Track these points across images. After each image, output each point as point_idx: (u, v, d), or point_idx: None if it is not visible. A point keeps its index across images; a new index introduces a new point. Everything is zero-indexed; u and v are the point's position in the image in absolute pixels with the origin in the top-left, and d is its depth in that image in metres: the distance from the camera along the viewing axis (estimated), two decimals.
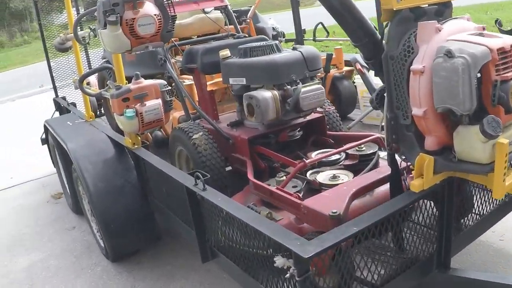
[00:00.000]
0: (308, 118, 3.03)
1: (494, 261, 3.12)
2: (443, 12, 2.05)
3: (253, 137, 2.85)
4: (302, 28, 5.88)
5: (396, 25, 1.94)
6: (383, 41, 2.10)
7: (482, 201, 2.59)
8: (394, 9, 1.88)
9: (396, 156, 2.22)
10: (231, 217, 2.16)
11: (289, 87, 2.74)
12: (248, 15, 5.11)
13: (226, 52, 2.94)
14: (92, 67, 5.55)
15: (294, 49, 2.93)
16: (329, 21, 5.94)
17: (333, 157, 2.79)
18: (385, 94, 2.28)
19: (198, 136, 2.89)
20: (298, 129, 3.04)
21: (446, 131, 1.92)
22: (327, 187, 2.45)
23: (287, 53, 2.79)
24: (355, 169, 2.74)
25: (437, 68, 1.77)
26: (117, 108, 2.71)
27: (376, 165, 2.76)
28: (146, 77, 4.43)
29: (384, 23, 2.03)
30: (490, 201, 2.64)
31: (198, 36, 4.44)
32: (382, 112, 2.30)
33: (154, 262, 3.59)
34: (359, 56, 2.43)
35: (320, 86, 2.80)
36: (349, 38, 2.14)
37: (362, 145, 2.89)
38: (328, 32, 5.97)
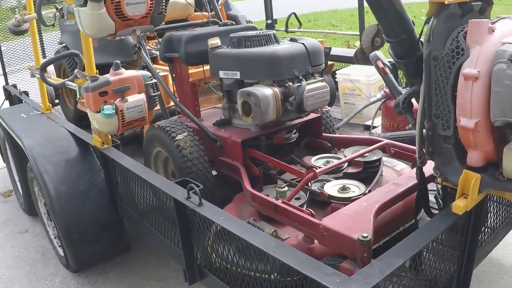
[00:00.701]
0: (304, 118, 2.72)
1: (484, 270, 2.99)
2: (485, 10, 1.80)
3: (246, 140, 2.51)
4: (274, 17, 5.57)
5: (444, 22, 1.66)
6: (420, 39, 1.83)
7: (497, 215, 2.41)
8: (446, 2, 1.60)
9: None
10: (236, 238, 1.83)
11: (290, 83, 2.42)
12: (220, 1, 4.72)
13: (216, 41, 2.57)
14: (45, 52, 4.96)
15: (292, 40, 2.60)
16: (302, 11, 5.72)
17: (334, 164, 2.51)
18: (413, 99, 2.02)
19: (183, 137, 2.51)
20: (294, 131, 2.73)
21: (494, 146, 1.67)
22: (338, 201, 2.17)
23: (288, 45, 2.46)
24: (358, 178, 2.48)
25: (499, 75, 1.50)
26: (92, 104, 2.27)
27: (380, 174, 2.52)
28: (109, 65, 4.01)
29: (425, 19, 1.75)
30: (503, 214, 2.47)
31: (166, 23, 4.01)
32: (409, 119, 2.04)
33: (120, 272, 3.23)
34: (380, 53, 2.14)
35: (325, 84, 2.49)
36: (384, 32, 1.85)
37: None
38: (300, 23, 5.68)
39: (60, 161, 2.90)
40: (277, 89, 2.37)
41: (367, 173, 2.54)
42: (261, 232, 1.80)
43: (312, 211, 2.02)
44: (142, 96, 2.33)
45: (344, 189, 2.25)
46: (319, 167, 2.43)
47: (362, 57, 4.66)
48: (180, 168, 2.50)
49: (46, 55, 4.99)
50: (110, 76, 2.31)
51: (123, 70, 2.35)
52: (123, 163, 2.52)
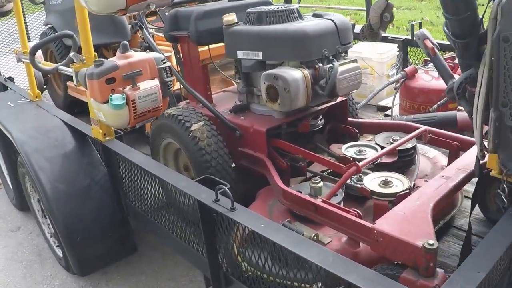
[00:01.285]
0: (332, 103, 2.46)
1: None
2: None
3: (271, 129, 2.25)
4: None
5: None
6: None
7: None
8: None
9: None
10: (280, 249, 1.58)
11: (320, 65, 2.15)
12: None
13: (232, 17, 2.27)
14: (30, 35, 4.55)
15: (317, 16, 2.32)
16: None
17: (368, 153, 2.27)
18: (468, 85, 1.78)
19: (199, 127, 2.23)
20: (320, 117, 2.47)
21: None
22: (381, 197, 1.93)
23: (317, 21, 2.18)
24: (393, 168, 2.26)
25: None
26: (98, 93, 1.95)
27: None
28: (101, 47, 3.66)
29: None
30: None
31: None
32: (463, 106, 1.80)
33: (124, 271, 2.99)
34: (427, 31, 1.88)
35: (357, 65, 2.23)
36: (444, 7, 1.59)
37: (397, 137, 2.40)
38: None
39: (56, 155, 2.59)
40: (306, 71, 2.10)
41: (402, 163, 2.32)
42: (310, 242, 1.55)
43: (359, 212, 1.78)
44: (156, 82, 2.01)
45: (386, 183, 2.01)
46: (353, 158, 2.20)
47: (369, 34, 4.40)
48: (197, 162, 2.23)
49: (31, 38, 4.58)
50: (117, 60, 1.98)
51: (132, 52, 2.02)
52: (131, 158, 2.23)
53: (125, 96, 1.90)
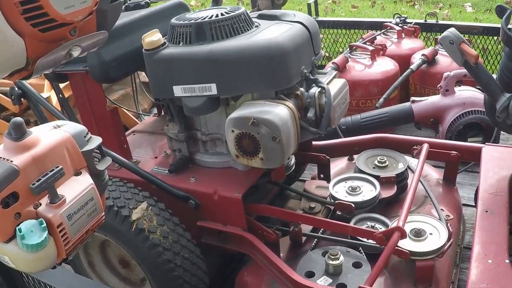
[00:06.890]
0: None
1: None
2: None
3: (247, 192, 1.57)
4: None
5: None
6: None
7: None
8: None
9: None
10: None
11: (302, 89, 1.53)
12: None
13: (157, 37, 1.51)
14: None
15: (270, 18, 1.66)
16: None
17: (364, 190, 1.75)
18: None
19: (142, 213, 1.46)
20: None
21: None
22: (425, 257, 1.42)
23: (286, 28, 1.52)
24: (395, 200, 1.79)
25: None
26: None
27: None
28: None
29: None
30: None
31: None
32: None
33: None
34: (454, 30, 1.36)
35: (344, 80, 1.64)
36: None
37: (383, 157, 1.91)
38: None
39: None
40: (291, 105, 1.46)
41: (400, 190, 1.84)
42: None
43: None
44: (87, 179, 1.10)
45: (419, 234, 1.49)
46: (355, 203, 1.65)
47: None
48: (152, 265, 1.46)
49: None
50: (11, 156, 0.96)
51: (30, 131, 1.04)
52: (50, 282, 1.37)
53: (43, 222, 0.97)
